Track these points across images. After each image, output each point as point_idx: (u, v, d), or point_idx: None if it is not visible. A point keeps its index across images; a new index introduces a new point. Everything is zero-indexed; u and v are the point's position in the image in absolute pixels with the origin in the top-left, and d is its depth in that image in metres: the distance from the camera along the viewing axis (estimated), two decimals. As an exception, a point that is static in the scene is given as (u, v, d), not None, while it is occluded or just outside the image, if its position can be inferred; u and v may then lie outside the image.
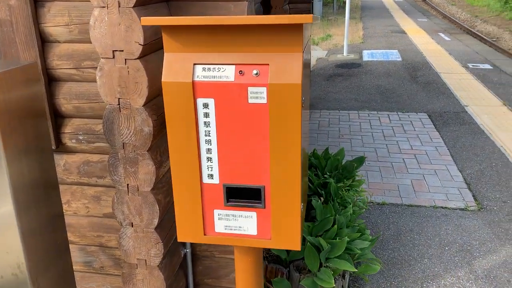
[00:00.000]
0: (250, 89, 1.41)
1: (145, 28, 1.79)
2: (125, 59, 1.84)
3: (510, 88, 8.40)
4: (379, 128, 6.69)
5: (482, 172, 5.22)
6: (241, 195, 1.56)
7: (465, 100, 7.82)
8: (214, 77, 1.44)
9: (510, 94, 8.02)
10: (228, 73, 1.42)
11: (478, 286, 3.37)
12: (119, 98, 1.91)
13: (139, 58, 1.84)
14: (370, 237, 3.14)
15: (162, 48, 2.07)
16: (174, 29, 1.43)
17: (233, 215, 1.58)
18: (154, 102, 2.02)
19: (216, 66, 1.43)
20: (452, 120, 6.91)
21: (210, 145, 1.50)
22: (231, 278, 2.64)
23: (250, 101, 1.42)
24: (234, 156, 1.50)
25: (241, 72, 1.41)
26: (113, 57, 1.84)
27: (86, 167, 2.44)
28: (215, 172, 1.54)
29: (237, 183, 1.53)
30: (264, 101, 1.41)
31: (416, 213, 4.46)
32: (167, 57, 1.46)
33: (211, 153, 1.51)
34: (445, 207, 4.57)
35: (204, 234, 1.62)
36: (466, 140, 6.15)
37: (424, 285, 3.42)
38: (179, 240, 1.64)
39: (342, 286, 3.14)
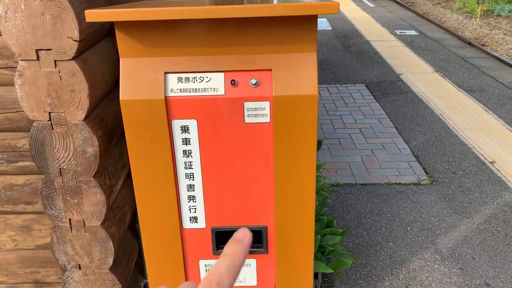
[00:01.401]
0: (247, 104, 1.03)
1: (81, 18, 1.32)
2: (55, 61, 1.36)
3: (438, 54, 8.62)
4: (320, 102, 6.54)
5: (427, 143, 5.24)
6: (236, 239, 1.19)
7: (399, 68, 7.89)
8: (196, 91, 1.03)
9: (439, 60, 8.22)
10: (215, 84, 1.03)
11: (446, 267, 3.30)
12: (50, 113, 1.43)
13: (74, 58, 1.37)
14: (340, 230, 2.93)
15: (102, 39, 1.59)
16: (134, 26, 1.00)
17: (225, 264, 1.21)
18: (98, 112, 1.56)
19: (198, 75, 1.03)
20: (390, 90, 6.92)
21: (193, 180, 1.11)
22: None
23: (248, 120, 1.04)
24: (226, 192, 1.12)
25: (233, 82, 1.02)
26: (37, 58, 1.35)
27: (9, 192, 1.93)
28: (200, 213, 1.15)
29: (230, 226, 1.16)
30: (267, 119, 1.04)
31: (372, 193, 4.35)
32: (125, 64, 1.03)
33: (193, 190, 1.12)
34: (399, 183, 4.51)
35: (188, 290, 1.24)
36: (407, 110, 6.17)
37: (394, 272, 3.30)
38: (154, 300, 1.25)
39: (315, 287, 2.91)
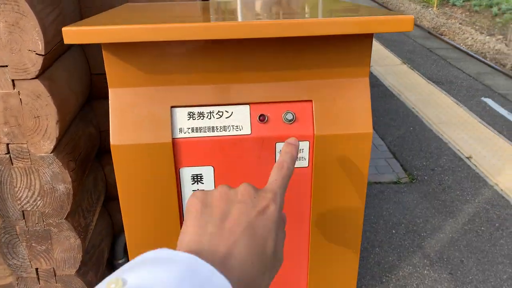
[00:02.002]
0: (279, 146, 0.79)
1: (45, 26, 1.02)
2: (13, 80, 1.06)
3: (404, 45, 8.62)
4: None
5: (403, 138, 5.15)
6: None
7: (368, 60, 7.80)
8: (213, 130, 0.78)
9: (405, 51, 8.21)
10: (238, 121, 0.78)
11: (435, 272, 3.20)
12: (8, 144, 1.13)
13: (38, 76, 1.07)
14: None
15: (69, 48, 1.30)
16: (129, 47, 0.72)
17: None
18: (69, 137, 1.27)
19: (215, 109, 0.77)
20: (361, 83, 6.80)
21: (206, 239, 0.86)
22: None
23: (280, 166, 0.80)
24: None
25: (262, 118, 0.78)
26: (-11, 78, 1.05)
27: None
28: None
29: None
30: (305, 163, 0.81)
31: (353, 194, 4.18)
32: (116, 96, 0.76)
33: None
34: (379, 182, 4.39)
35: None
36: (380, 104, 6.07)
37: (384, 280, 3.15)
38: None
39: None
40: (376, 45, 8.62)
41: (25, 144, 1.17)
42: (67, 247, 1.31)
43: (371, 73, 7.03)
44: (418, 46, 8.53)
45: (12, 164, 1.19)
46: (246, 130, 0.79)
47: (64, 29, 0.65)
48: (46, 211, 1.25)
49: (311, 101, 0.78)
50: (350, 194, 0.82)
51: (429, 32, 9.38)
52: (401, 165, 4.60)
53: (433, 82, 6.76)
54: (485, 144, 4.93)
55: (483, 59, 7.51)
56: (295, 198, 0.83)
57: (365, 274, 3.21)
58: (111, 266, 1.75)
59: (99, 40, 0.67)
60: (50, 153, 1.18)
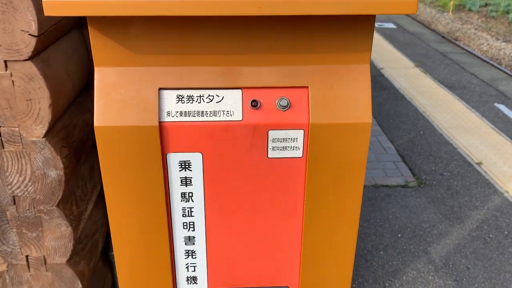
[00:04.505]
0: (272, 134, 0.75)
1: (40, 5, 0.99)
2: (5, 62, 1.03)
3: (416, 48, 8.53)
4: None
5: (412, 142, 5.08)
6: (246, 301, 0.91)
7: (379, 62, 7.73)
8: (202, 114, 0.74)
9: (418, 55, 8.12)
10: (229, 106, 0.74)
11: (440, 278, 3.13)
12: (-1, 127, 1.11)
13: (31, 58, 1.04)
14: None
15: (69, 32, 1.27)
16: (115, 23, 0.69)
17: (231, 333, 0.93)
18: (63, 123, 1.24)
19: (205, 93, 0.74)
20: (372, 85, 6.74)
21: (193, 230, 0.82)
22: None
23: (272, 154, 0.76)
24: (237, 246, 0.84)
25: (255, 104, 0.74)
26: (-20, 58, 1.02)
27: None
28: (201, 273, 0.87)
29: (239, 287, 0.88)
30: (299, 153, 0.76)
31: (359, 196, 4.13)
32: (102, 76, 0.72)
33: (193, 243, 0.84)
34: (386, 185, 4.33)
35: None
36: (390, 106, 6.01)
37: (387, 285, 3.10)
38: None
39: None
40: (388, 47, 8.54)
41: (17, 128, 1.14)
42: (58, 235, 1.28)
43: (382, 75, 6.96)
44: (431, 49, 8.43)
45: (3, 147, 1.16)
46: (238, 116, 0.75)
47: (44, 1, 0.62)
48: (37, 198, 1.22)
49: (307, 87, 0.74)
50: (346, 188, 0.78)
51: (443, 37, 9.27)
52: (410, 169, 4.54)
53: (445, 86, 6.66)
54: (496, 151, 4.83)
55: (497, 65, 7.39)
56: (288, 189, 0.79)
57: (368, 277, 3.15)
58: (106, 257, 1.72)
59: (82, 13, 0.64)
60: (42, 137, 1.15)
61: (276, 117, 0.75)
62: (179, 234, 0.84)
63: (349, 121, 0.73)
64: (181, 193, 0.80)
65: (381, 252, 3.37)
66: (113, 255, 1.52)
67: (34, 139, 1.15)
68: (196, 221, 0.83)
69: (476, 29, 11.00)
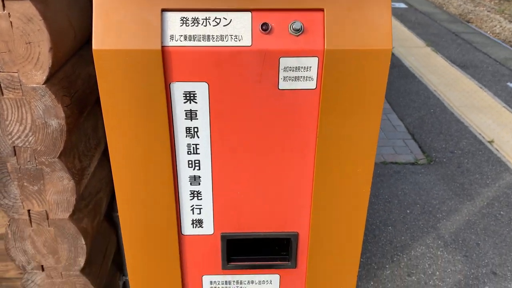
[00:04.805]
0: (284, 61, 0.69)
1: None
2: (3, 1, 0.99)
3: (428, 28, 8.37)
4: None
5: (423, 120, 5.01)
6: (252, 250, 0.87)
7: (390, 41, 7.60)
8: (208, 38, 0.69)
9: (429, 34, 7.96)
10: (237, 30, 0.69)
11: (449, 254, 3.09)
12: (-3, 72, 1.06)
13: (29, -3, 0.99)
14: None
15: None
16: None
17: (237, 282, 0.89)
18: (65, 73, 1.19)
19: (212, 15, 0.68)
20: (381, 64, 6.63)
21: (198, 169, 0.78)
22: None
23: (283, 85, 0.71)
24: (245, 186, 0.79)
25: (265, 28, 0.68)
26: (-24, -5, 0.97)
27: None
28: (207, 215, 0.82)
29: (247, 231, 0.84)
30: (312, 85, 0.71)
31: (367, 172, 4.08)
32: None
33: (199, 183, 0.79)
34: (395, 162, 4.27)
35: (187, 314, 0.92)
36: (400, 84, 5.91)
37: (395, 259, 3.07)
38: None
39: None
40: (399, 27, 8.39)
41: (16, 73, 1.10)
42: (60, 189, 1.24)
43: (393, 54, 6.84)
44: (443, 29, 8.26)
45: (2, 94, 1.12)
46: (246, 41, 0.69)
47: None
48: (38, 149, 1.18)
49: (322, 9, 0.68)
50: (363, 123, 0.72)
51: (454, 19, 9.09)
52: (420, 147, 4.47)
53: (457, 65, 6.53)
54: (509, 129, 4.74)
55: (511, 48, 7.24)
56: (299, 125, 0.74)
57: (376, 251, 3.12)
58: (110, 219, 1.69)
59: None
60: (43, 84, 1.11)
61: (288, 42, 0.69)
62: (184, 173, 0.79)
63: (368, 47, 0.68)
64: (186, 128, 0.76)
65: (390, 228, 3.33)
66: (118, 216, 1.48)
67: (34, 85, 1.10)
68: (201, 159, 0.78)
69: (488, 11, 10.77)
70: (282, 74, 0.71)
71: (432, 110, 5.20)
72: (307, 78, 0.70)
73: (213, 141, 0.76)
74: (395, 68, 6.42)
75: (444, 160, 4.27)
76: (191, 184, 0.80)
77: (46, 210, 1.28)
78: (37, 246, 1.34)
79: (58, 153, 1.19)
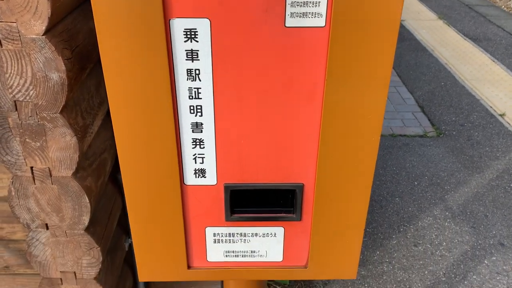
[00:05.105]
0: (290, -2, 0.65)
1: None
2: None
3: (441, 1, 8.16)
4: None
5: (433, 93, 4.93)
6: (256, 201, 0.85)
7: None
8: (211, -28, 0.64)
9: (442, 7, 7.78)
10: (241, -38, 0.64)
11: (457, 225, 3.07)
12: (-5, 21, 1.03)
13: None
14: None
15: None
16: None
17: (241, 235, 0.87)
18: (65, 26, 1.16)
19: None
20: (392, 36, 6.50)
21: (201, 115, 0.75)
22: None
23: (290, 23, 0.67)
24: (248, 134, 0.76)
25: (271, -40, 0.64)
26: None
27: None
28: (210, 165, 0.80)
29: (250, 182, 0.81)
30: (321, 22, 0.67)
31: (375, 144, 4.04)
32: None
33: (201, 131, 0.76)
34: (404, 135, 4.23)
35: (188, 267, 0.90)
36: (410, 57, 5.81)
37: (402, 230, 3.05)
38: (141, 280, 0.92)
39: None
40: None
41: (15, 23, 1.06)
42: (62, 145, 1.22)
43: (403, 26, 6.70)
44: (456, 2, 8.07)
45: (1, 46, 1.09)
46: (251, -25, 0.65)
47: None
48: (40, 103, 1.16)
49: None
50: (374, 64, 0.68)
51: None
52: (429, 120, 4.41)
53: (469, 38, 6.39)
54: (521, 102, 4.66)
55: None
56: (307, 67, 0.70)
57: (382, 222, 3.11)
58: (114, 179, 1.68)
59: None
60: (42, 35, 1.07)
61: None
62: (186, 119, 0.77)
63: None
64: (187, 69, 0.72)
65: (397, 199, 3.31)
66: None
67: (34, 36, 1.07)
68: (204, 104, 0.75)
69: (504, -17, 10.49)
70: (289, 9, 0.67)
71: (442, 83, 5.12)
72: (316, 15, 0.66)
73: (215, 85, 0.72)
74: (406, 41, 6.30)
75: (454, 133, 4.21)
76: (193, 131, 0.77)
77: (49, 167, 1.26)
78: (41, 204, 1.33)
79: (60, 108, 1.17)
